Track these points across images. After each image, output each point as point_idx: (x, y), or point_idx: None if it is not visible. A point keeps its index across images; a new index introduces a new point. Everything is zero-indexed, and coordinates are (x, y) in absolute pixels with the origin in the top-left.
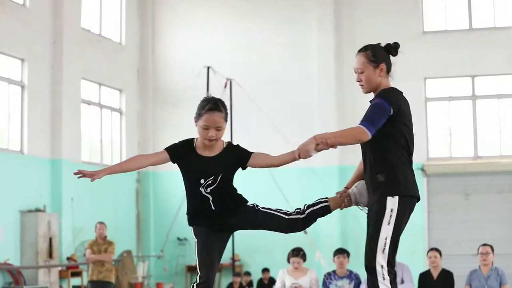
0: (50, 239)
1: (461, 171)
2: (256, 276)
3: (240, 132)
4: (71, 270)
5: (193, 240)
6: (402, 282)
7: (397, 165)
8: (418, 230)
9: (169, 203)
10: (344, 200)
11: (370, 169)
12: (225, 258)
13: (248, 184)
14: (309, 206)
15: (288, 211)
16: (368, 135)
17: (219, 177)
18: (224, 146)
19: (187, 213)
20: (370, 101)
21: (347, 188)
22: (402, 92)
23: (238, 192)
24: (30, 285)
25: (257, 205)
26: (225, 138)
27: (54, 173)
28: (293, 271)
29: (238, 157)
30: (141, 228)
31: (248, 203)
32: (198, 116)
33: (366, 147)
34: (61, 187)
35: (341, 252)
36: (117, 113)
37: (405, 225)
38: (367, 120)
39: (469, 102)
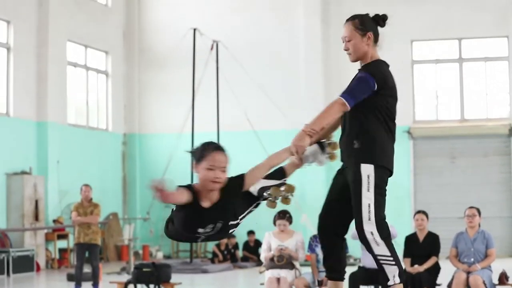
0: (36, 202)
1: (447, 134)
2: (242, 238)
3: (226, 94)
4: (57, 232)
5: None
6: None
7: (376, 136)
8: (404, 193)
9: (156, 165)
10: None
11: (348, 135)
12: None
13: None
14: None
15: None
16: (347, 107)
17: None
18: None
19: None
20: (359, 70)
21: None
22: (388, 65)
23: None
24: (16, 247)
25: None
26: (212, 100)
27: (40, 135)
28: (279, 234)
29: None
30: (127, 191)
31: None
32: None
33: (347, 113)
34: (47, 150)
35: None
36: (103, 75)
37: (385, 192)
38: (348, 93)
39: (455, 64)
